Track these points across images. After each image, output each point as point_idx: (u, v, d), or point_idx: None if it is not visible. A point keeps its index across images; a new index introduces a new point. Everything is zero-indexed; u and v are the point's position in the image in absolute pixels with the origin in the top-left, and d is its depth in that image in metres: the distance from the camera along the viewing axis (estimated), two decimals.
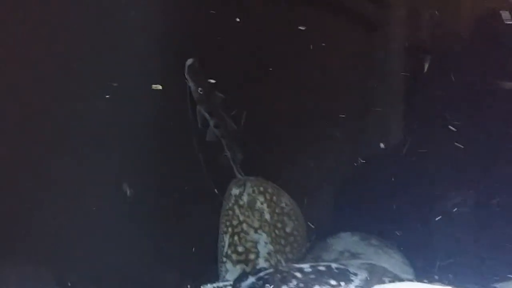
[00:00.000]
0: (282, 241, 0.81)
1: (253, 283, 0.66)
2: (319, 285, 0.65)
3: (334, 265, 0.70)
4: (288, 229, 0.81)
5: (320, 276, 0.67)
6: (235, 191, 0.78)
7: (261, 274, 0.68)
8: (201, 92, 0.71)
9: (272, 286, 0.64)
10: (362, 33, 0.80)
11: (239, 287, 0.66)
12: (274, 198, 0.81)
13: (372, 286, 0.65)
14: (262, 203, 0.80)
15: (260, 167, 0.81)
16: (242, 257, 0.76)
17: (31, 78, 0.59)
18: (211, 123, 0.73)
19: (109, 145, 0.64)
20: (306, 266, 0.69)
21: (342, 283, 0.66)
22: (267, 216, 0.79)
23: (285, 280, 0.66)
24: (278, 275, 0.67)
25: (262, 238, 0.78)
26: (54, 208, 0.60)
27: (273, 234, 0.79)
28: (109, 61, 0.62)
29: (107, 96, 0.64)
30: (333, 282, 0.66)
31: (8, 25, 0.58)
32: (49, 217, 0.60)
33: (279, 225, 0.81)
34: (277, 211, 0.81)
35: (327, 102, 0.80)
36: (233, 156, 0.76)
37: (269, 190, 0.81)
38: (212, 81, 0.71)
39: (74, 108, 0.62)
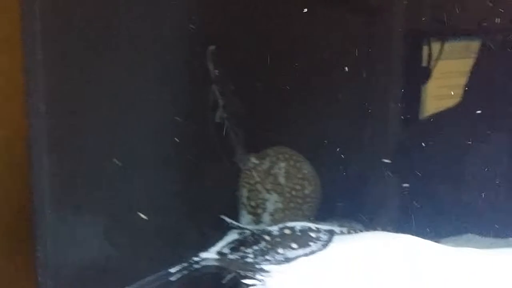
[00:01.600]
0: (300, 201, 0.97)
1: (233, 241, 0.87)
2: (283, 248, 0.83)
3: (298, 227, 0.84)
4: (306, 191, 0.97)
5: (284, 239, 0.84)
6: (254, 160, 0.96)
7: (240, 237, 0.87)
8: (217, 74, 0.86)
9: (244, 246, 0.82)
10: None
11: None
12: (298, 164, 0.97)
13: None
14: (280, 169, 0.96)
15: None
16: (253, 210, 0.95)
17: None
18: (221, 102, 0.87)
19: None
20: (275, 229, 0.86)
21: (301, 247, 0.81)
22: (281, 180, 0.96)
23: (256, 242, 0.85)
24: (251, 238, 0.86)
25: (273, 198, 0.96)
26: None
27: (288, 195, 0.96)
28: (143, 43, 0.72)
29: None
30: (294, 246, 0.82)
31: None
32: None
33: (298, 187, 0.97)
34: (298, 175, 0.97)
35: (333, 91, 0.88)
36: (236, 138, 0.91)
37: (294, 157, 0.97)
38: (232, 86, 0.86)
39: None
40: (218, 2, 0.81)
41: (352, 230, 0.86)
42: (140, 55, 0.71)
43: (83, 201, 0.63)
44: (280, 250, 0.81)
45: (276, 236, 0.84)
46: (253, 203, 0.94)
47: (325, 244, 0.80)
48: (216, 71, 0.85)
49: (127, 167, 0.67)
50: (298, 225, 0.85)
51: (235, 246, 0.84)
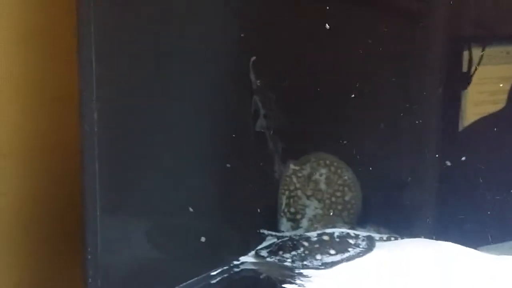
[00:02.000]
0: (340, 207, 0.98)
1: (270, 244, 0.88)
2: (321, 253, 0.84)
3: (337, 233, 0.85)
4: (347, 198, 0.98)
5: (322, 245, 0.85)
6: (294, 166, 0.97)
7: (278, 241, 0.87)
8: (259, 84, 0.88)
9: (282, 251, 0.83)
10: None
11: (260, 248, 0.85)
12: (339, 170, 0.98)
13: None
14: (320, 175, 0.97)
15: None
16: (292, 216, 0.96)
17: None
18: (262, 112, 0.89)
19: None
20: (313, 235, 0.87)
21: (340, 253, 0.82)
22: (322, 186, 0.97)
23: (294, 247, 0.86)
24: (289, 243, 0.87)
25: (313, 204, 0.97)
26: None
27: (328, 201, 0.97)
28: (188, 55, 0.74)
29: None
30: (332, 251, 0.83)
31: None
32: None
33: (338, 194, 0.98)
34: (339, 182, 0.98)
35: (374, 97, 0.89)
36: (275, 147, 0.92)
37: (335, 164, 0.98)
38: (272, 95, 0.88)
39: None
40: (260, 16, 0.83)
41: (392, 237, 0.86)
42: (187, 67, 0.74)
43: (130, 204, 0.65)
44: (318, 256, 0.82)
45: (314, 242, 0.85)
46: (292, 210, 0.96)
47: (364, 251, 0.80)
48: (258, 81, 0.87)
49: (173, 172, 0.70)
50: (337, 231, 0.86)
51: (274, 250, 0.85)
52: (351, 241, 0.83)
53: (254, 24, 0.82)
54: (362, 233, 0.84)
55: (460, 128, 0.85)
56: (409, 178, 0.91)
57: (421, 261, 0.72)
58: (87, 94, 0.59)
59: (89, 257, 0.58)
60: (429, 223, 0.89)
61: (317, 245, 0.85)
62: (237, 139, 0.84)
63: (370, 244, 0.80)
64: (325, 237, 0.85)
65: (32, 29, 0.74)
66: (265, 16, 0.83)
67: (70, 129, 0.64)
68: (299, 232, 0.93)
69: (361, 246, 0.82)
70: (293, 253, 0.84)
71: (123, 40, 0.65)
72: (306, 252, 0.83)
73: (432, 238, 0.83)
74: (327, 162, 0.97)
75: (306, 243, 0.85)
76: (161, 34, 0.70)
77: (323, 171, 0.96)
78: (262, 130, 0.90)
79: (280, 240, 0.89)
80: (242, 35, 0.80)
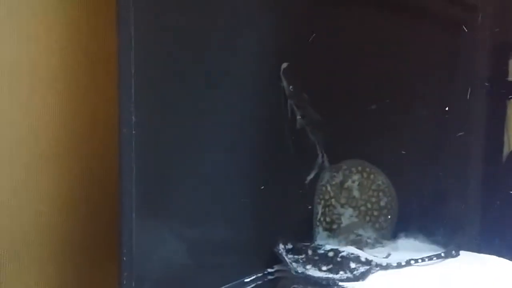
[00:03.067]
0: (376, 213, 0.97)
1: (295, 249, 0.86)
2: (313, 267, 0.81)
3: (345, 253, 0.82)
4: (382, 203, 0.97)
5: (320, 260, 0.82)
6: (328, 174, 0.97)
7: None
8: (291, 89, 0.89)
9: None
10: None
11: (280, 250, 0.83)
12: (371, 176, 0.97)
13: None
14: (353, 182, 0.97)
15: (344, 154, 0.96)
16: (328, 226, 0.96)
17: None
18: (298, 114, 0.90)
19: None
20: (324, 248, 0.85)
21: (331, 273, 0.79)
22: (355, 193, 0.96)
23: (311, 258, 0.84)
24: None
25: (348, 212, 0.96)
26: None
27: (363, 208, 0.96)
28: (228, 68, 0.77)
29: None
30: (324, 268, 0.81)
31: None
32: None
33: (373, 199, 0.97)
34: (373, 187, 0.97)
35: (414, 105, 0.87)
36: (317, 139, 0.91)
37: (367, 169, 0.97)
38: (305, 96, 0.89)
39: None
40: (291, 23, 0.85)
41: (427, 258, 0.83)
42: (222, 76, 0.76)
43: (165, 211, 0.67)
44: (309, 268, 0.81)
45: (320, 255, 0.84)
46: (328, 219, 0.95)
47: (356, 278, 0.78)
48: (291, 87, 0.88)
49: (210, 181, 0.72)
50: (348, 251, 0.84)
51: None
52: (352, 265, 0.81)
53: (288, 35, 0.83)
54: (377, 259, 0.81)
55: (505, 138, 0.83)
56: (451, 188, 0.88)
57: (464, 275, 0.68)
58: (126, 100, 0.61)
59: (125, 259, 0.59)
60: (473, 234, 0.87)
61: (317, 258, 0.83)
62: (274, 151, 0.85)
63: (366, 275, 0.78)
64: (330, 254, 0.84)
65: (72, 44, 0.76)
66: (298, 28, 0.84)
67: (109, 136, 0.66)
68: (334, 242, 0.92)
69: (355, 272, 0.80)
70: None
71: (165, 49, 0.67)
72: (306, 263, 0.83)
73: (475, 250, 0.80)
74: (359, 168, 0.96)
75: (311, 252, 0.84)
76: (204, 50, 0.72)
77: (356, 177, 0.96)
78: (303, 126, 0.90)
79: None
80: (277, 47, 0.82)
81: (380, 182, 0.96)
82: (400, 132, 0.92)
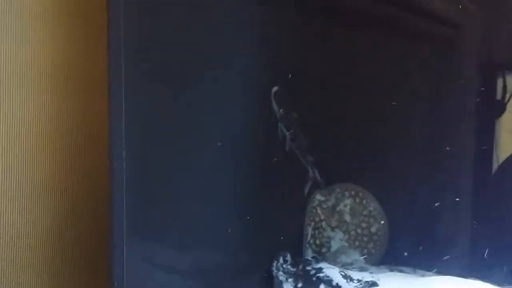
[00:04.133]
0: (365, 238, 0.97)
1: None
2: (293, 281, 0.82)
3: (328, 272, 0.83)
4: (373, 230, 0.96)
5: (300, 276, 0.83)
6: (320, 197, 0.97)
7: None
8: (282, 113, 0.89)
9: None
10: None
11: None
12: (364, 201, 0.97)
13: None
14: (345, 206, 0.96)
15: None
16: (318, 249, 0.95)
17: None
18: (288, 137, 0.90)
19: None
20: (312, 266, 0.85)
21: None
22: (347, 218, 0.96)
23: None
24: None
25: (338, 236, 0.95)
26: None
27: (353, 232, 0.96)
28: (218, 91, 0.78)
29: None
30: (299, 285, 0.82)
31: None
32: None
33: (364, 225, 0.97)
34: (364, 213, 0.97)
35: (404, 124, 0.88)
36: (308, 162, 0.91)
37: (360, 194, 0.97)
38: (295, 114, 0.89)
39: None
40: (282, 46, 0.85)
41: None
42: (212, 100, 0.76)
43: (157, 236, 0.66)
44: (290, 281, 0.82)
45: (305, 271, 0.84)
46: (318, 242, 0.94)
47: None
48: (281, 110, 0.88)
49: (200, 204, 0.71)
50: (328, 273, 0.84)
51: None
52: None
53: (279, 56, 0.83)
54: (365, 278, 0.82)
55: (495, 156, 0.84)
56: (440, 209, 0.89)
57: None
58: (116, 131, 0.61)
59: (116, 284, 0.58)
60: (459, 257, 0.87)
61: (301, 273, 0.84)
62: (266, 175, 0.85)
63: None
64: (312, 271, 0.85)
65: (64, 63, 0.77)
66: (290, 49, 0.84)
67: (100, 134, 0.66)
68: (323, 264, 0.91)
69: None
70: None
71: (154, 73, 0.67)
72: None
73: (465, 273, 0.81)
74: (352, 192, 0.96)
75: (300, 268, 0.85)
76: (192, 74, 0.72)
77: (348, 201, 0.95)
78: (292, 149, 0.90)
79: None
80: (267, 68, 0.82)
81: (372, 208, 0.96)
82: (390, 152, 0.92)
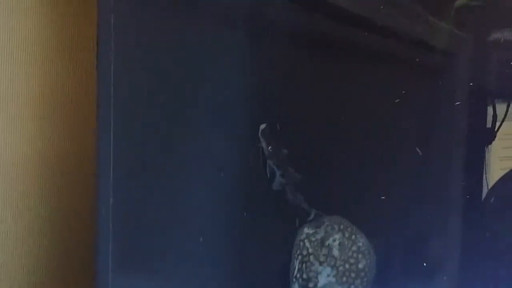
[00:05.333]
0: (353, 275, 0.95)
1: None
2: None
3: None
4: (360, 266, 0.95)
5: None
6: (308, 230, 0.96)
7: None
8: (270, 150, 0.88)
9: None
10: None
11: None
12: (353, 236, 0.96)
13: None
14: (334, 240, 0.95)
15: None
16: (304, 283, 0.94)
17: None
18: (278, 174, 0.89)
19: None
20: None
21: None
22: (335, 253, 0.95)
23: None
24: None
25: (326, 271, 0.94)
26: None
27: (341, 268, 0.95)
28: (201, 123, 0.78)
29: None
30: None
31: None
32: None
33: (352, 261, 0.95)
34: (353, 248, 0.95)
35: (393, 154, 0.88)
36: (298, 197, 0.90)
37: (349, 229, 0.96)
38: (285, 151, 0.89)
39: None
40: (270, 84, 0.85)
41: None
42: (199, 138, 0.76)
43: (142, 274, 0.64)
44: None
45: None
46: (305, 276, 0.93)
47: None
48: (270, 147, 0.88)
49: (186, 241, 0.70)
50: None
51: None
52: None
53: (266, 95, 0.84)
54: None
55: (485, 183, 0.84)
56: (430, 240, 0.88)
57: None
58: (104, 176, 0.61)
59: None
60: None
61: None
62: (254, 206, 0.85)
63: None
64: None
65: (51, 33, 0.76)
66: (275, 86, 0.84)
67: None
68: None
69: None
70: None
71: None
72: None
73: None
74: (341, 226, 0.95)
75: None
76: (178, 113, 0.72)
77: (337, 236, 0.94)
78: (281, 188, 0.89)
79: None
80: (255, 104, 0.82)
81: (360, 244, 0.95)
82: (380, 185, 0.91)
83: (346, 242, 0.94)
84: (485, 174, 0.83)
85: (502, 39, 0.72)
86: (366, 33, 0.77)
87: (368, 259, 0.94)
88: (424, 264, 0.88)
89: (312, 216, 0.93)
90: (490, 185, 0.81)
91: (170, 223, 0.69)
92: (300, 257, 0.93)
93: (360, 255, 0.94)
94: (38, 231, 0.73)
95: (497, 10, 0.72)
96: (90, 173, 0.65)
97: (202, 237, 0.73)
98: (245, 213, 0.82)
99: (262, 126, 0.86)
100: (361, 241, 0.94)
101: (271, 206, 0.89)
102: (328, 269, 0.93)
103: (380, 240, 0.92)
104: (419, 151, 0.82)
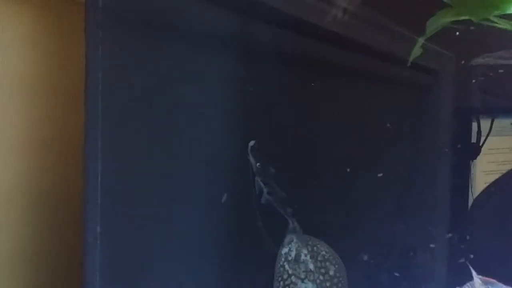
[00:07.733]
0: (328, 284, 0.97)
1: None
2: None
3: None
4: (331, 273, 0.97)
5: None
6: (284, 249, 0.93)
7: None
8: (259, 166, 0.86)
9: None
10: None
11: None
12: (315, 248, 0.97)
13: None
14: (305, 255, 0.95)
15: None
16: None
17: None
18: (265, 190, 0.88)
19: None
20: None
21: None
22: (311, 266, 0.95)
23: None
24: None
25: (308, 286, 0.94)
26: None
27: (318, 281, 0.95)
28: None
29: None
30: None
31: None
32: None
33: (323, 270, 0.97)
34: (319, 258, 0.97)
35: (380, 168, 0.91)
36: (285, 214, 0.90)
37: (310, 242, 0.97)
38: (272, 170, 0.85)
39: None
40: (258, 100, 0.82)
41: None
42: (188, 156, 0.73)
43: None
44: None
45: None
46: None
47: None
48: (258, 164, 0.86)
49: (174, 261, 0.68)
50: None
51: None
52: None
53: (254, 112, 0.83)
54: None
55: (470, 196, 0.92)
56: (418, 252, 0.93)
57: None
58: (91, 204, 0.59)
59: None
60: None
61: None
62: (243, 230, 0.83)
63: None
64: None
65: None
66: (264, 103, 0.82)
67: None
68: None
69: None
70: None
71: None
72: None
73: None
74: (304, 242, 0.96)
75: None
76: (166, 130, 0.70)
77: (305, 250, 0.95)
78: (269, 203, 0.88)
79: None
80: (244, 124, 0.81)
81: (324, 252, 0.97)
82: (366, 201, 0.94)
83: (314, 254, 0.96)
84: (471, 188, 0.91)
85: (485, 58, 0.79)
86: (353, 54, 0.78)
87: (335, 264, 0.98)
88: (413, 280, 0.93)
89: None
90: (475, 197, 0.88)
91: (156, 243, 0.67)
92: (282, 282, 0.91)
93: (327, 263, 0.97)
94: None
95: (480, 32, 0.79)
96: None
97: (189, 257, 0.73)
98: (232, 235, 0.82)
99: (251, 143, 0.84)
100: (323, 249, 0.97)
101: (257, 228, 0.87)
102: (310, 284, 0.93)
103: (368, 254, 0.96)
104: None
